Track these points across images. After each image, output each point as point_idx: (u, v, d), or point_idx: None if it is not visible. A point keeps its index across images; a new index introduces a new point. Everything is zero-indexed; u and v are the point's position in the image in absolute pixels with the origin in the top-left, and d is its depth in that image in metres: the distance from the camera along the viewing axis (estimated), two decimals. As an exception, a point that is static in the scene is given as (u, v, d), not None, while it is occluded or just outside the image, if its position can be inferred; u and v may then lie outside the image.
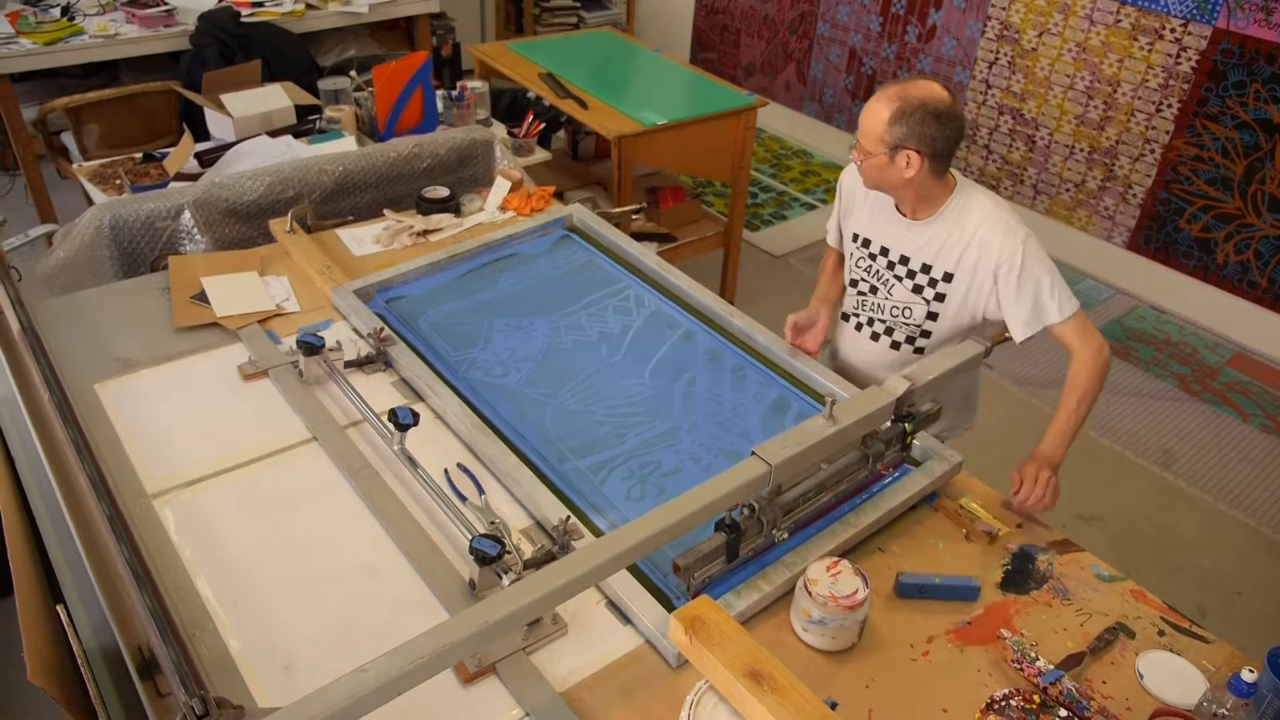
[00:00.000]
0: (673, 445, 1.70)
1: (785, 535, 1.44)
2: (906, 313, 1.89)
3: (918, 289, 1.85)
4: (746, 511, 1.40)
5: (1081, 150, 4.15)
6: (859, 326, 1.99)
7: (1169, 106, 3.79)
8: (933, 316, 1.86)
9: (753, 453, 1.36)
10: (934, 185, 1.75)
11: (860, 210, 1.93)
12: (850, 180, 1.94)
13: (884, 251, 1.88)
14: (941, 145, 1.67)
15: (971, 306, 1.82)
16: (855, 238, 1.95)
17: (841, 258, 2.06)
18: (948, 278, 1.81)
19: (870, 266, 1.91)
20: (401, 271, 2.10)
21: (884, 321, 1.93)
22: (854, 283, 1.97)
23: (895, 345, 1.94)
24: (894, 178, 1.72)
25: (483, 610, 1.11)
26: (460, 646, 1.08)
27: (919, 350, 1.92)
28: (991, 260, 1.75)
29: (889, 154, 1.68)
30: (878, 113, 1.67)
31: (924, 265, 1.83)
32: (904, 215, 1.84)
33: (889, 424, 1.58)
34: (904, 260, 1.86)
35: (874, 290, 1.92)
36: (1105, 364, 1.78)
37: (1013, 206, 1.80)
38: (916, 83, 1.68)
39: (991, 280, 1.76)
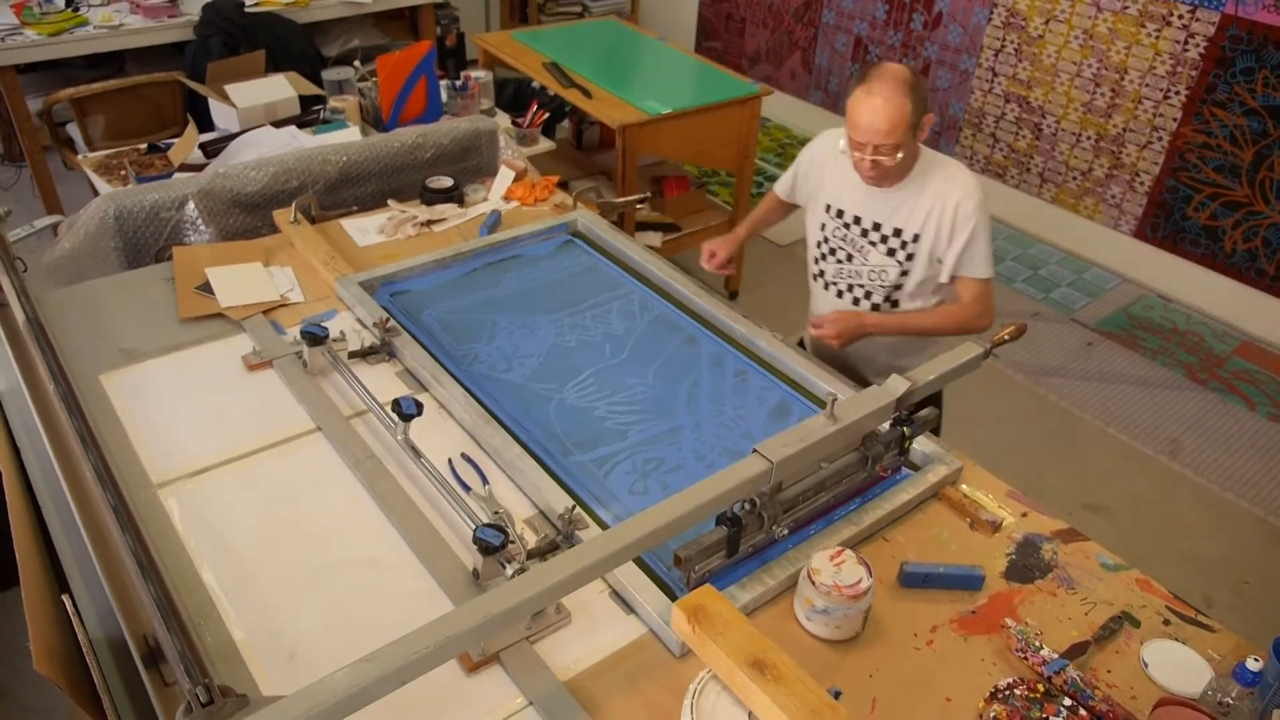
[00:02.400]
0: (676, 443, 1.70)
1: (785, 532, 1.45)
2: (882, 275, 2.02)
3: (890, 252, 1.99)
4: (747, 507, 1.41)
5: (1088, 138, 4.12)
6: (839, 294, 2.12)
7: (1177, 93, 3.77)
8: (904, 273, 2.01)
9: (755, 450, 1.37)
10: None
11: (831, 183, 2.06)
12: (818, 154, 2.11)
13: (856, 220, 2.02)
14: (927, 100, 1.83)
15: (937, 255, 1.96)
16: (829, 209, 2.07)
17: (780, 205, 2.30)
18: (916, 238, 1.95)
19: (845, 235, 2.05)
20: (406, 266, 2.10)
21: (862, 286, 2.07)
22: (831, 251, 2.10)
23: (875, 307, 2.08)
24: (911, 153, 1.88)
25: (487, 602, 1.11)
26: (464, 638, 1.08)
27: (894, 303, 2.07)
28: (951, 209, 1.90)
29: (913, 134, 1.83)
30: (900, 107, 1.78)
31: (895, 230, 1.97)
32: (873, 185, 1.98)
33: (888, 427, 1.59)
34: (876, 227, 1.99)
35: (850, 258, 2.06)
36: (969, 328, 1.96)
37: (972, 173, 1.94)
38: (885, 66, 1.82)
39: (950, 226, 1.91)
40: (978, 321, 1.97)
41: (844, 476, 1.54)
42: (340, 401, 1.70)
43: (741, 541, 1.41)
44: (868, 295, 2.07)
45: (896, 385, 1.52)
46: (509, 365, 1.87)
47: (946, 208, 1.90)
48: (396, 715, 1.19)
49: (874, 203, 1.98)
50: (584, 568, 1.18)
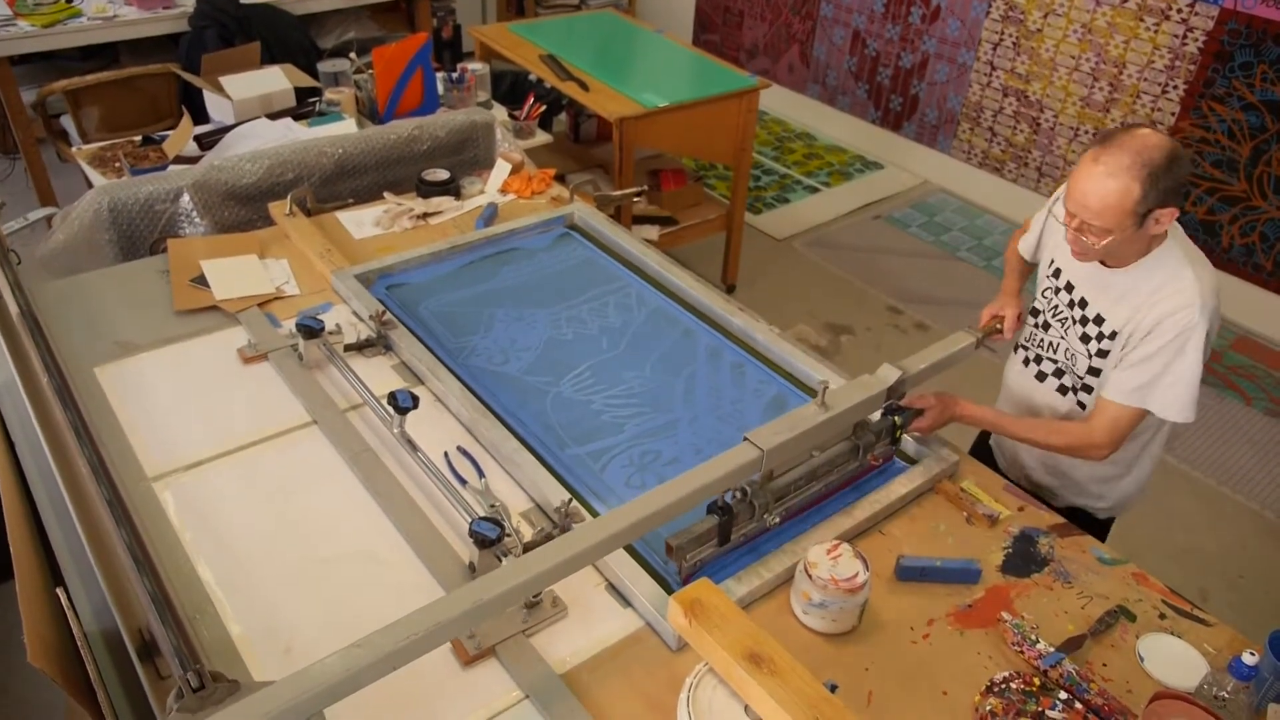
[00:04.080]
0: (672, 436, 1.70)
1: (777, 520, 1.45)
2: (1072, 359, 1.70)
3: (1085, 339, 1.66)
4: (739, 495, 1.41)
5: (1086, 132, 4.12)
6: (1026, 361, 1.81)
7: (1175, 88, 3.76)
8: (1094, 372, 1.66)
9: (745, 438, 1.37)
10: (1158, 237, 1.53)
11: (1061, 237, 1.65)
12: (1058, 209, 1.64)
13: (1069, 287, 1.68)
14: (1181, 191, 1.46)
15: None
16: (1051, 263, 1.75)
17: (1022, 263, 1.91)
18: (1113, 335, 1.60)
19: (1053, 300, 1.72)
20: (403, 259, 2.09)
21: (1054, 361, 1.74)
22: (1035, 312, 1.78)
23: (1063, 390, 1.74)
24: (1139, 243, 1.51)
25: (477, 588, 1.11)
26: (454, 624, 1.08)
27: (1082, 405, 1.70)
28: (1152, 319, 1.52)
29: (1137, 224, 1.45)
30: (1123, 190, 1.42)
31: (1098, 315, 1.62)
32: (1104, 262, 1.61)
33: (879, 417, 1.59)
34: (1083, 303, 1.65)
35: (1047, 327, 1.74)
36: (1078, 452, 1.64)
37: (1213, 275, 1.54)
38: (1133, 133, 1.44)
39: (1141, 335, 1.54)
40: (1092, 450, 1.60)
41: (835, 465, 1.54)
42: (336, 395, 1.70)
43: (733, 530, 1.41)
44: (1058, 374, 1.73)
45: (887, 374, 1.53)
46: (505, 358, 1.87)
47: (1150, 315, 1.52)
48: (394, 708, 1.19)
49: (1092, 277, 1.63)
50: (574, 555, 1.18)
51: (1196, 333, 1.50)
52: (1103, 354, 1.62)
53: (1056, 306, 1.71)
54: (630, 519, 1.24)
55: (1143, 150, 1.41)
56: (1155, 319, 1.52)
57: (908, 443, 1.67)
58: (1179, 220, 1.50)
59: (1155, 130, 1.46)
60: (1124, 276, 1.57)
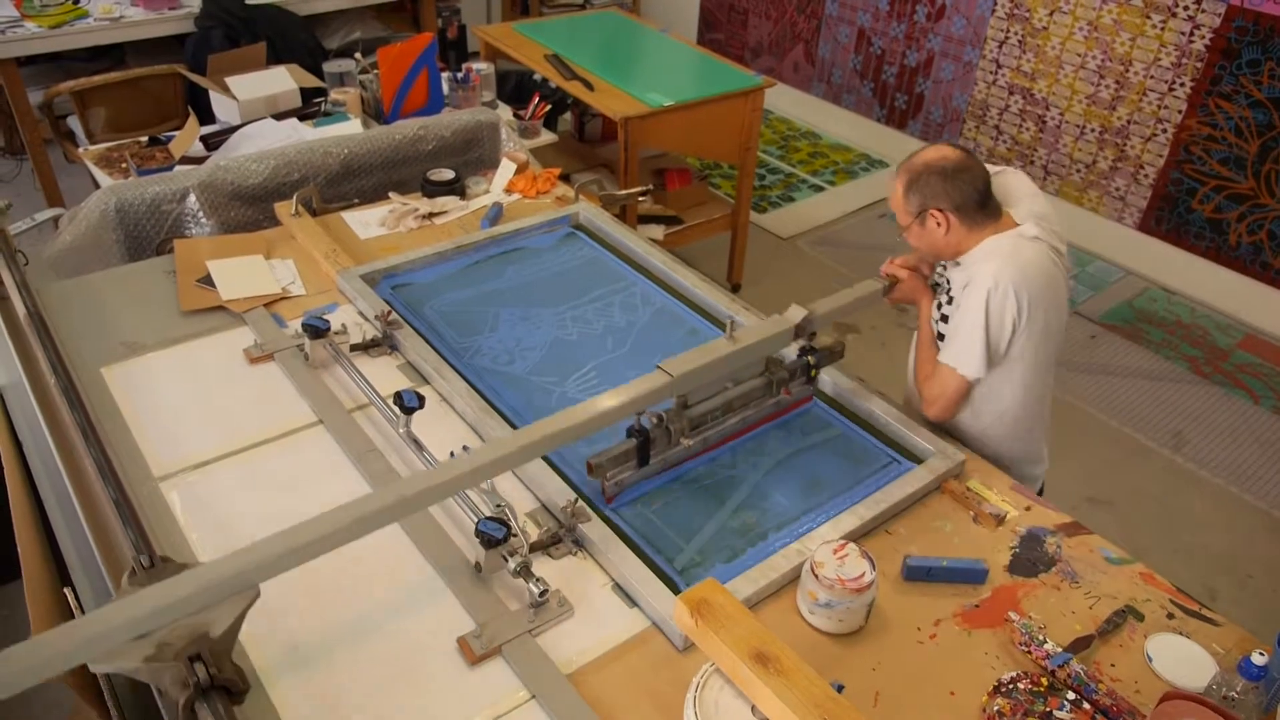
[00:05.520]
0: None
1: (691, 443, 1.58)
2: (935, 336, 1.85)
3: (938, 305, 1.83)
4: (655, 420, 1.53)
5: (1093, 130, 4.11)
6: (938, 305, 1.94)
7: (1182, 85, 3.75)
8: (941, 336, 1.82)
9: (658, 367, 1.49)
10: (972, 236, 1.71)
11: None
12: None
13: (944, 266, 1.84)
14: (960, 199, 1.66)
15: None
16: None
17: None
18: (945, 319, 1.79)
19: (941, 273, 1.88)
20: (408, 259, 2.09)
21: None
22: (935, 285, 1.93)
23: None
24: (937, 239, 1.72)
25: (402, 486, 1.21)
26: (378, 516, 1.17)
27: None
28: (961, 292, 1.72)
29: (919, 221, 1.71)
30: (894, 189, 1.74)
31: (939, 304, 1.82)
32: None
33: (796, 357, 1.73)
34: (937, 287, 1.85)
35: (936, 287, 1.89)
36: (922, 399, 1.78)
37: (1017, 269, 1.66)
38: (924, 150, 1.72)
39: (957, 304, 1.72)
40: (924, 405, 1.78)
41: (751, 399, 1.67)
42: (342, 394, 1.70)
43: (651, 454, 1.53)
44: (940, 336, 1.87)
45: (794, 314, 1.65)
46: (511, 358, 1.87)
47: (963, 288, 1.73)
48: (399, 706, 1.19)
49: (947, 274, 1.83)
50: (494, 459, 1.27)
51: (978, 291, 1.66)
52: (941, 336, 1.81)
53: (942, 279, 1.87)
54: (545, 431, 1.34)
55: (914, 160, 1.72)
56: (962, 289, 1.72)
57: (914, 442, 1.67)
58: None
59: (949, 146, 1.71)
60: (955, 270, 1.77)
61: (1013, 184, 1.79)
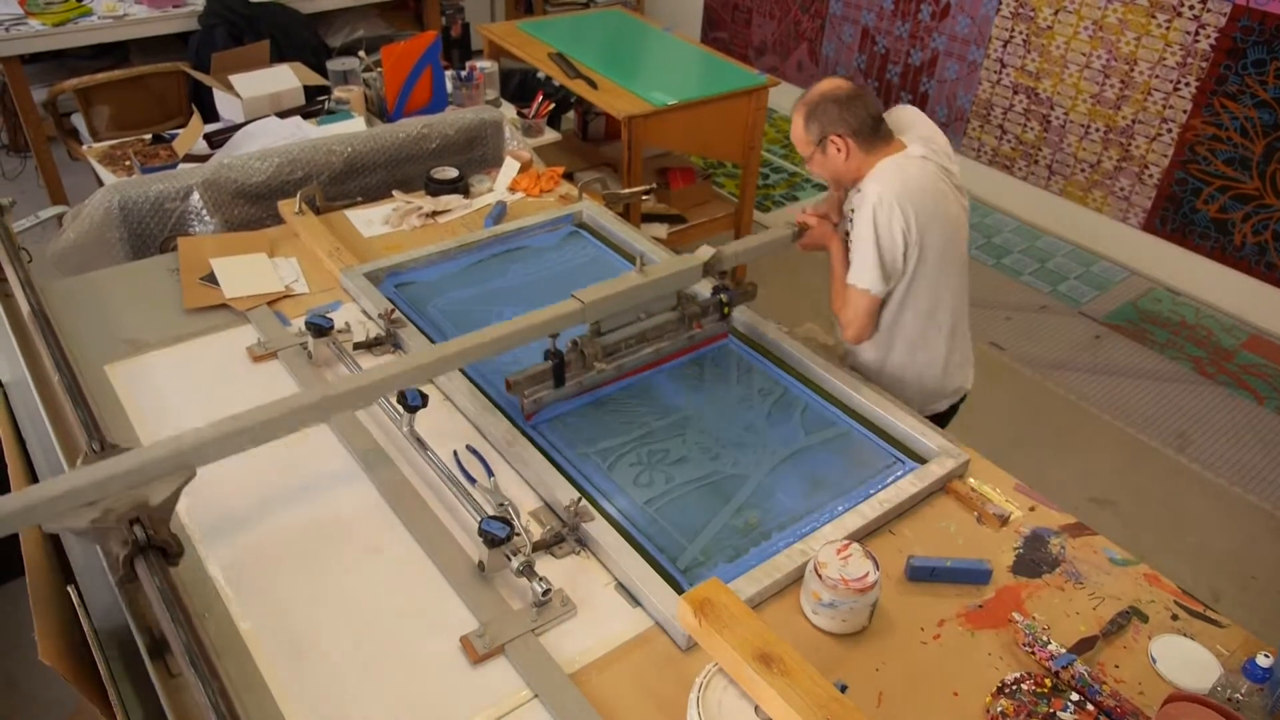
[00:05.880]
0: (680, 435, 1.69)
1: (606, 368, 1.71)
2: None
3: (846, 234, 1.96)
4: (570, 345, 1.67)
5: (1097, 130, 4.10)
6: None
7: (1187, 85, 3.74)
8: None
9: (572, 295, 1.64)
10: (869, 160, 1.85)
11: None
12: None
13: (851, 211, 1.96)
14: (857, 123, 1.82)
15: None
16: None
17: None
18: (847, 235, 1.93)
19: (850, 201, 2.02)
20: (412, 257, 2.09)
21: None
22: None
23: None
24: (839, 165, 1.86)
25: (328, 386, 1.39)
26: (306, 412, 1.36)
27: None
28: (852, 214, 1.88)
29: (820, 149, 1.86)
30: (795, 123, 1.89)
31: (846, 232, 1.96)
32: None
33: (710, 295, 1.89)
34: (843, 216, 2.00)
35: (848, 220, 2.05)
36: (840, 323, 1.96)
37: (898, 181, 1.79)
38: (817, 84, 1.88)
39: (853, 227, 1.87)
40: (845, 330, 1.92)
41: (665, 331, 1.82)
42: (345, 393, 1.70)
43: (567, 376, 1.67)
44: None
45: (703, 252, 1.80)
46: (514, 357, 1.86)
47: (856, 210, 1.86)
48: (404, 706, 1.19)
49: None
50: (415, 367, 1.46)
51: (865, 208, 1.80)
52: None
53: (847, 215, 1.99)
54: (463, 345, 1.52)
55: (810, 93, 1.87)
56: (852, 211, 1.88)
57: (918, 442, 1.66)
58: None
59: (839, 79, 1.88)
60: (853, 196, 1.90)
61: (906, 116, 1.95)
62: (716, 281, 1.89)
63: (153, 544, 1.20)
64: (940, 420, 2.04)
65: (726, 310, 1.89)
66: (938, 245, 1.83)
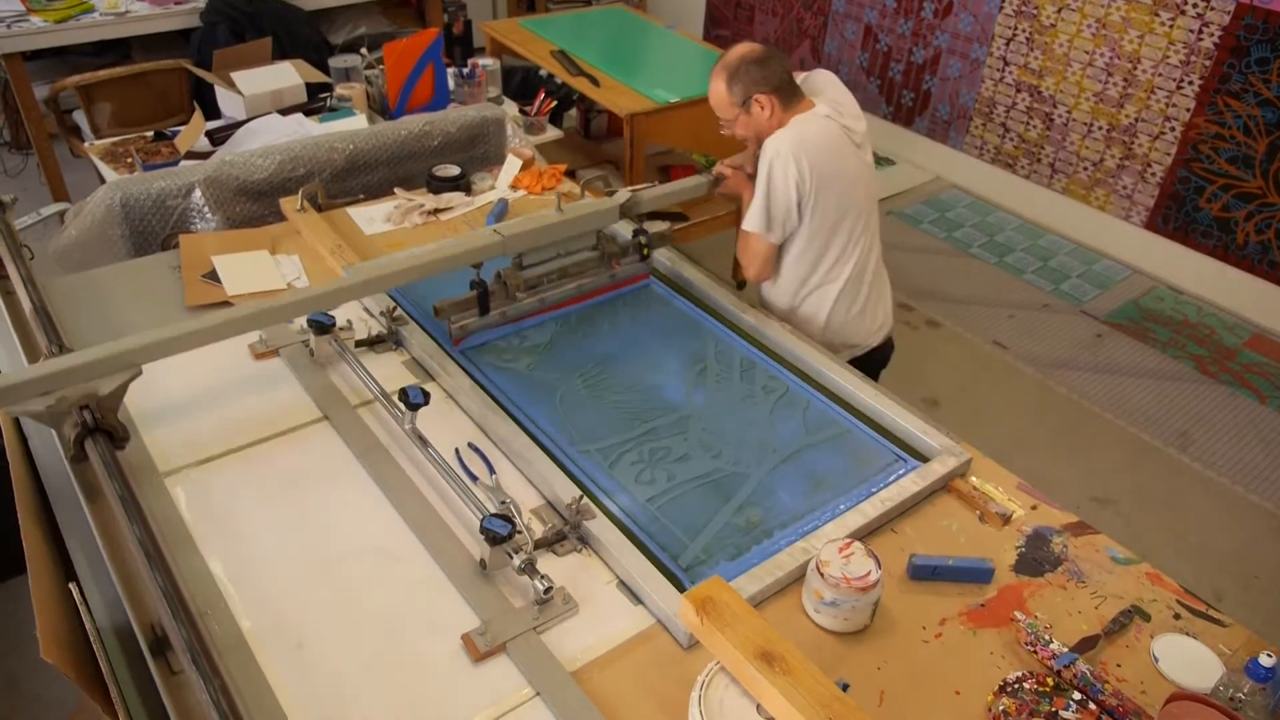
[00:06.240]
0: (683, 433, 1.69)
1: (527, 299, 1.88)
2: None
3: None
4: (494, 276, 1.83)
5: (1100, 128, 4.09)
6: None
7: (1190, 83, 3.73)
8: None
9: (493, 230, 1.81)
10: (788, 115, 1.98)
11: None
12: None
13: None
14: (777, 80, 1.95)
15: None
16: None
17: None
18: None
19: None
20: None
21: None
22: None
23: None
24: (762, 123, 1.99)
25: (261, 304, 1.58)
26: (241, 322, 1.56)
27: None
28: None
29: (744, 110, 1.98)
30: (716, 89, 1.99)
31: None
32: None
33: (630, 236, 2.05)
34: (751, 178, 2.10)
35: None
36: (742, 263, 2.12)
37: (795, 134, 1.93)
38: (731, 50, 2.00)
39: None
40: (746, 270, 2.12)
41: (586, 268, 1.98)
42: (347, 391, 1.70)
43: (491, 305, 1.83)
44: None
45: (620, 195, 1.95)
46: (515, 355, 1.87)
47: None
48: (405, 704, 1.19)
49: None
50: (340, 289, 1.65)
51: (764, 160, 1.94)
52: None
53: None
54: (384, 270, 1.70)
55: (728, 59, 1.97)
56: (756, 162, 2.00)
57: (920, 440, 1.66)
58: None
59: (749, 42, 1.99)
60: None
61: (820, 80, 2.07)
62: (636, 225, 2.06)
63: (100, 427, 1.39)
64: (869, 368, 2.18)
65: (646, 252, 2.04)
66: (834, 198, 1.97)
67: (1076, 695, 1.24)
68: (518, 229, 1.82)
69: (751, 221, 2.00)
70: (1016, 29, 4.24)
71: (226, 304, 1.90)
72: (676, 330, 1.97)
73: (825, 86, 2.05)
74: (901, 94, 4.86)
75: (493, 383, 1.78)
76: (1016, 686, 1.25)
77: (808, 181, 1.92)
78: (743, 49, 1.97)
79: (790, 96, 1.98)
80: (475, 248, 1.75)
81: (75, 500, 1.39)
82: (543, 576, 1.29)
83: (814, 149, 1.92)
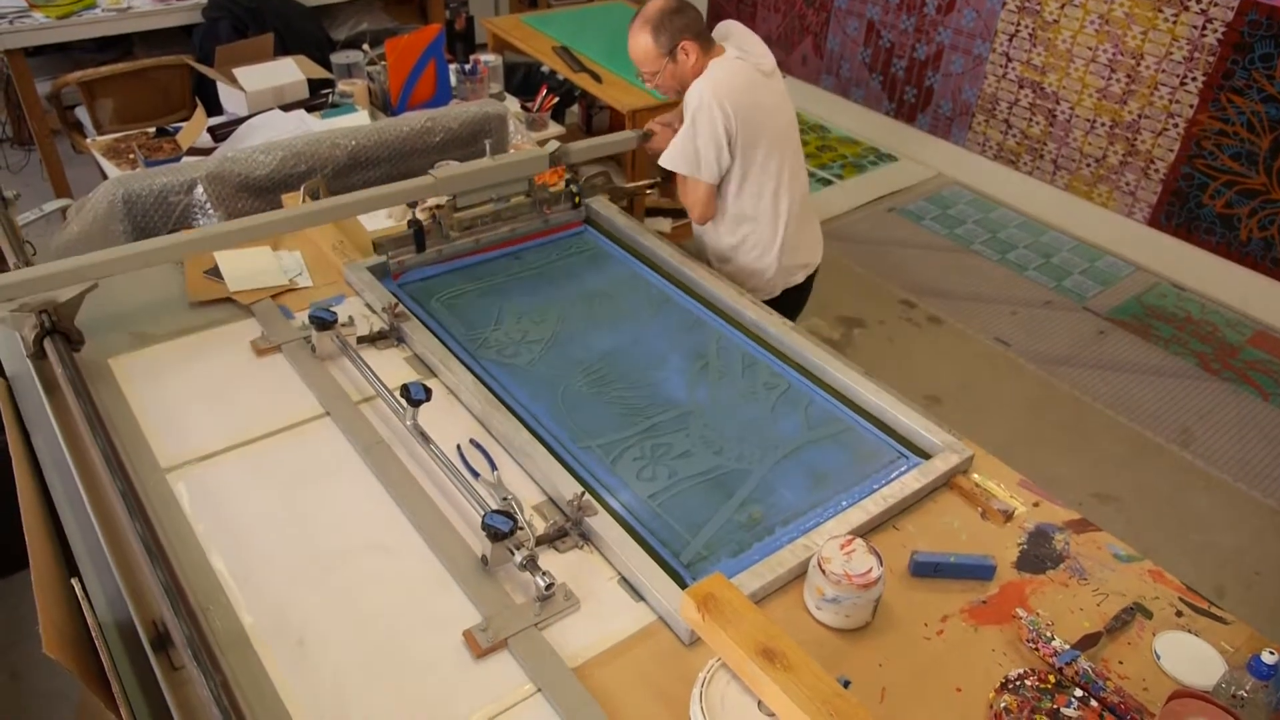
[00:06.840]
0: (684, 429, 1.69)
1: (462, 238, 2.04)
2: None
3: None
4: (429, 215, 1.98)
5: (1103, 124, 4.08)
6: None
7: (1193, 80, 3.72)
8: None
9: (429, 171, 1.94)
10: (706, 60, 2.13)
11: None
12: None
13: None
14: (697, 26, 2.11)
15: None
16: None
17: None
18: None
19: None
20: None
21: None
22: None
23: None
24: (686, 71, 2.13)
25: (195, 235, 1.76)
26: (163, 252, 1.73)
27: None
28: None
29: (671, 59, 2.12)
30: (642, 42, 2.13)
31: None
32: None
33: (562, 185, 2.19)
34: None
35: None
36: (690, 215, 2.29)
37: (712, 81, 2.09)
38: (645, 6, 2.13)
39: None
40: (690, 213, 2.26)
41: (519, 213, 2.13)
42: (349, 387, 1.70)
43: (427, 243, 1.99)
44: None
45: (549, 146, 2.08)
46: (517, 351, 1.87)
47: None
48: (407, 701, 1.19)
49: None
50: (286, 218, 1.82)
51: (688, 107, 2.11)
52: None
53: None
54: (324, 206, 1.85)
55: (647, 12, 2.11)
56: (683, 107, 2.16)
57: (922, 437, 1.66)
58: None
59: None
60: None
61: (731, 28, 2.23)
62: (569, 175, 2.20)
63: (57, 329, 1.60)
64: (798, 294, 2.39)
65: (577, 200, 2.18)
66: (757, 128, 2.11)
67: (1078, 692, 1.24)
68: (451, 172, 1.96)
69: (682, 164, 2.14)
70: (1019, 25, 4.23)
71: (229, 300, 1.90)
72: (678, 326, 1.97)
73: (731, 32, 2.21)
74: (904, 90, 4.85)
75: (494, 379, 1.78)
76: (1018, 684, 1.25)
77: (733, 120, 2.08)
78: (657, 1, 2.10)
79: (708, 42, 2.14)
80: (411, 188, 1.90)
81: (78, 495, 1.39)
82: (544, 573, 1.29)
83: (731, 89, 2.08)
